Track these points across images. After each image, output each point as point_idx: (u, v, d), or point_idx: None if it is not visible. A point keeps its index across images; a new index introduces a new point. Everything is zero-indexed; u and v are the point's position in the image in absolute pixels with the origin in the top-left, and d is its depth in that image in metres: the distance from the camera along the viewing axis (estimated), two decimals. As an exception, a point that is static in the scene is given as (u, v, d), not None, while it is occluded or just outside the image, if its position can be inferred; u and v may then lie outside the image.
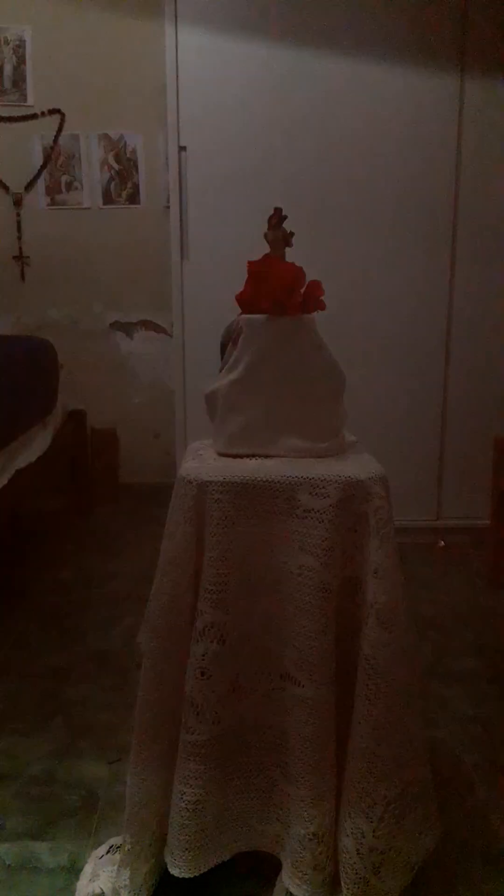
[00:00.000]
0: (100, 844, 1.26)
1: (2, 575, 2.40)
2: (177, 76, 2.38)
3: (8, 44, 2.89)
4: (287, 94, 2.39)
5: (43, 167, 2.97)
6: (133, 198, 3.01)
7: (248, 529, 1.04)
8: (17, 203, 2.99)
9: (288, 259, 1.16)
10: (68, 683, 1.76)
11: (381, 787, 1.03)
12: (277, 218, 1.16)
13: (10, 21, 2.88)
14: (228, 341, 1.18)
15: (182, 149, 2.42)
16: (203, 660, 1.04)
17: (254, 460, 1.12)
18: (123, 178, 3.00)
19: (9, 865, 1.23)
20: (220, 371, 1.18)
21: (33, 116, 2.94)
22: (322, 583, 1.01)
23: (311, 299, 1.13)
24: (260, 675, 1.09)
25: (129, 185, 3.00)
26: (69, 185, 3.00)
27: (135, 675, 1.79)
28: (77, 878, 1.19)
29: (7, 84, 2.92)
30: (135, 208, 3.02)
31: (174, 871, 1.09)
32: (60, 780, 1.43)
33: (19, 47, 2.89)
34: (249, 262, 1.13)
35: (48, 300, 3.10)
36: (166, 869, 1.11)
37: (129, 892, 1.11)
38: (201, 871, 1.10)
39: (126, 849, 1.11)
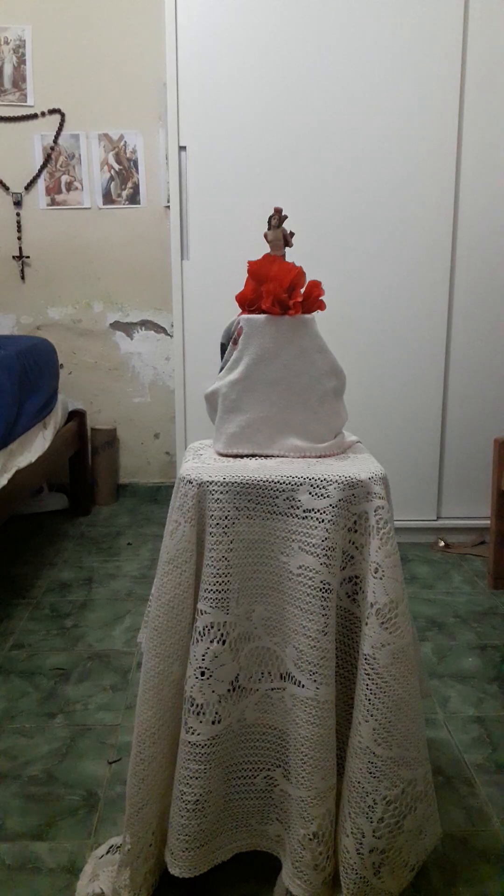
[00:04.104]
0: (100, 844, 1.26)
1: (2, 575, 2.40)
2: (177, 76, 2.37)
3: (8, 44, 2.89)
4: (288, 93, 2.39)
5: (43, 167, 2.97)
6: (133, 198, 3.01)
7: (248, 529, 1.04)
8: (17, 203, 2.99)
9: (288, 259, 1.16)
10: (68, 683, 1.77)
11: (381, 787, 1.03)
12: (277, 218, 1.16)
13: (10, 21, 2.88)
14: (228, 341, 1.18)
15: (182, 148, 2.42)
16: (203, 660, 1.04)
17: (254, 460, 1.12)
18: (123, 178, 3.00)
19: (9, 865, 1.23)
20: (220, 371, 1.18)
21: (33, 116, 2.94)
22: (322, 583, 1.01)
23: (311, 299, 1.13)
24: (260, 675, 1.09)
25: (129, 185, 3.00)
26: (69, 185, 3.00)
27: (135, 674, 1.79)
28: (77, 878, 1.19)
29: (7, 84, 2.92)
30: (135, 208, 3.03)
31: (174, 871, 1.09)
32: (60, 780, 1.43)
33: (19, 47, 2.89)
34: (249, 262, 1.13)
35: (48, 300, 3.10)
36: (166, 869, 1.11)
37: (129, 892, 1.11)
38: (201, 871, 1.10)
39: (126, 849, 1.11)
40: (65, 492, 3.09)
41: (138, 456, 3.26)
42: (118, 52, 2.91)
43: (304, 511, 1.03)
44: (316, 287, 1.13)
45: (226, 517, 1.03)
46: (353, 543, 1.05)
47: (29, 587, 2.31)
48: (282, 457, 1.13)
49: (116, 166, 2.98)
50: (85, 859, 1.23)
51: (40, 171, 2.98)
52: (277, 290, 1.10)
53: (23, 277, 3.07)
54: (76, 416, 2.98)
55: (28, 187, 2.99)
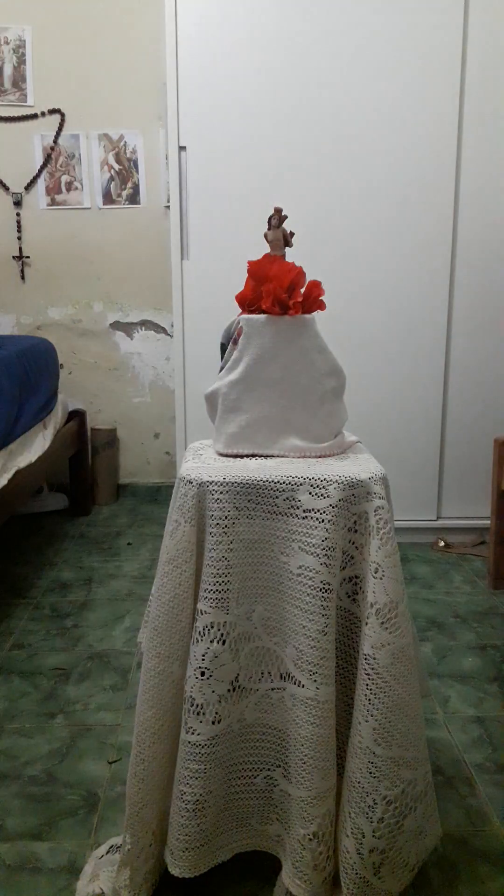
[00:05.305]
0: (100, 844, 1.26)
1: (2, 575, 2.40)
2: (177, 76, 2.37)
3: (8, 44, 2.89)
4: (288, 93, 2.39)
5: (43, 167, 2.97)
6: (133, 198, 3.01)
7: (248, 529, 1.04)
8: (17, 203, 2.99)
9: (288, 259, 1.16)
10: (68, 683, 1.77)
11: (381, 787, 1.03)
12: (277, 218, 1.16)
13: (10, 21, 2.88)
14: (228, 341, 1.18)
15: (182, 149, 2.42)
16: (203, 660, 1.04)
17: (254, 460, 1.12)
18: (123, 178, 3.00)
19: (9, 865, 1.23)
20: (220, 371, 1.18)
21: (33, 116, 2.94)
22: (322, 583, 1.01)
23: (311, 299, 1.13)
24: (260, 675, 1.09)
25: (129, 185, 3.00)
26: (69, 185, 3.00)
27: (135, 675, 1.79)
28: (77, 878, 1.19)
29: (7, 84, 2.92)
30: (135, 208, 3.02)
31: (174, 871, 1.09)
32: (60, 780, 1.43)
33: (19, 47, 2.89)
34: (249, 262, 1.13)
35: (48, 300, 3.10)
36: (166, 869, 1.11)
37: (129, 892, 1.11)
38: (201, 871, 1.10)
39: (126, 849, 1.11)
40: (65, 492, 3.09)
41: (138, 456, 3.26)
42: (118, 52, 2.91)
43: (304, 511, 1.03)
44: (316, 287, 1.13)
45: (226, 517, 1.03)
46: (353, 543, 1.05)
47: (29, 587, 2.31)
48: (282, 457, 1.13)
49: (116, 166, 2.98)
50: (85, 859, 1.23)
51: (40, 171, 2.98)
52: (277, 290, 1.10)
53: (23, 277, 3.07)
54: (76, 416, 2.98)
55: (28, 187, 2.99)
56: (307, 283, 1.13)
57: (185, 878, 1.10)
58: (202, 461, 1.11)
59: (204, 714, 1.05)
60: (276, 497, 1.04)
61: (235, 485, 1.03)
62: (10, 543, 2.70)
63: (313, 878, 1.06)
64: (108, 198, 3.01)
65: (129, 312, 3.12)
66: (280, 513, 1.04)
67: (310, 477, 1.03)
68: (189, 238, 2.48)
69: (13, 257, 3.04)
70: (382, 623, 1.01)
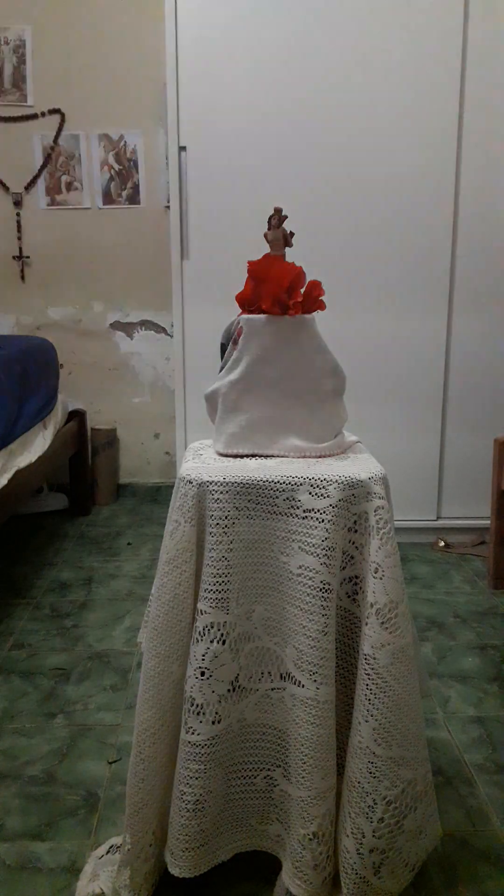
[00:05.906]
0: (100, 844, 1.26)
1: (2, 575, 2.40)
2: (177, 76, 2.37)
3: (8, 44, 2.89)
4: (288, 93, 2.39)
5: (43, 167, 2.97)
6: (133, 198, 3.02)
7: (248, 529, 1.04)
8: (17, 203, 2.99)
9: (288, 259, 1.16)
10: (68, 683, 1.77)
11: (381, 787, 1.03)
12: (277, 218, 1.16)
13: (10, 21, 2.88)
14: (228, 341, 1.18)
15: (182, 149, 2.42)
16: (203, 660, 1.04)
17: (254, 460, 1.12)
18: (123, 178, 3.00)
19: (9, 865, 1.23)
20: (220, 371, 1.18)
21: (33, 116, 2.94)
22: (322, 583, 1.01)
23: (311, 299, 1.13)
24: (260, 675, 1.09)
25: (129, 185, 3.00)
26: (69, 185, 3.00)
27: (135, 674, 1.79)
28: (77, 878, 1.19)
29: (7, 84, 2.92)
30: (135, 208, 3.03)
31: (174, 871, 1.09)
32: (60, 780, 1.43)
33: (19, 47, 2.89)
34: (249, 262, 1.13)
35: (48, 300, 3.10)
36: (166, 869, 1.11)
37: (129, 892, 1.11)
38: (201, 871, 1.10)
39: (126, 849, 1.11)
40: (65, 492, 3.09)
41: (138, 456, 3.26)
42: (118, 52, 2.91)
43: (304, 511, 1.03)
44: (316, 287, 1.13)
45: (226, 517, 1.03)
46: (353, 543, 1.05)
47: (29, 587, 2.31)
48: (282, 457, 1.13)
49: (116, 166, 2.98)
50: (85, 859, 1.23)
51: (40, 171, 2.98)
52: (277, 291, 1.10)
53: (23, 277, 3.07)
54: (76, 416, 2.98)
55: (28, 187, 2.99)
56: (307, 283, 1.13)
57: (185, 878, 1.10)
58: (202, 461, 1.11)
59: (204, 714, 1.05)
60: (276, 497, 1.04)
61: (235, 485, 1.03)
62: (10, 543, 2.70)
63: (313, 878, 1.06)
64: (108, 198, 3.01)
65: (129, 312, 3.12)
66: (280, 513, 1.04)
67: (310, 477, 1.03)
68: (189, 238, 2.48)
69: (13, 257, 3.04)
70: (382, 623, 1.01)
